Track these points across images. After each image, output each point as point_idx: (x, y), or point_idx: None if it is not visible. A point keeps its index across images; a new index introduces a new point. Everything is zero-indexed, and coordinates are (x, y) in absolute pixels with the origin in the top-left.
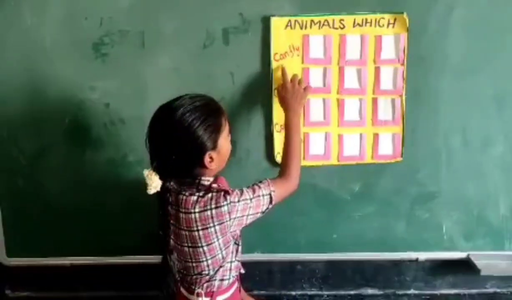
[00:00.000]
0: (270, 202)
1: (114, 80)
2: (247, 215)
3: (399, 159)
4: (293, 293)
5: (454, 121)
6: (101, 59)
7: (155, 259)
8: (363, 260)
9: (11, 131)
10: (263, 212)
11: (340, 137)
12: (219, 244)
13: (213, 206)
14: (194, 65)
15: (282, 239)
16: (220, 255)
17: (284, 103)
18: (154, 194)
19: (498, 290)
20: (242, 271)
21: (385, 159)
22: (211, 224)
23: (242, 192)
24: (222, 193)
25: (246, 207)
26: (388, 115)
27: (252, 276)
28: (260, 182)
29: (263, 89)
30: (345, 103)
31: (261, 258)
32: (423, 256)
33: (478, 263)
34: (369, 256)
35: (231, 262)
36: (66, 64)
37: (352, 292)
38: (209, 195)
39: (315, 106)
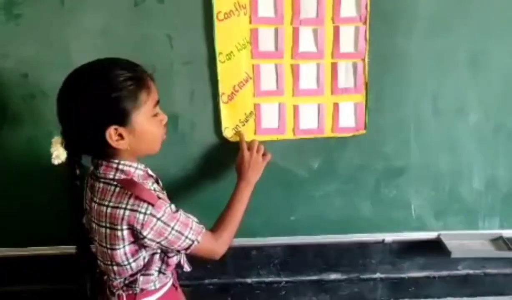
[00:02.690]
0: (186, 249)
1: (31, 46)
2: (158, 242)
3: (363, 131)
4: (249, 280)
5: (424, 88)
6: (14, 22)
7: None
8: (324, 243)
9: None
10: (171, 251)
11: (295, 108)
12: (125, 253)
13: (128, 206)
14: (124, 27)
15: None
16: (127, 266)
17: (238, 171)
18: None
19: (471, 272)
20: (187, 269)
21: (346, 132)
22: (119, 226)
23: (171, 213)
24: (145, 200)
25: (162, 232)
26: (349, 82)
27: (203, 263)
28: (198, 222)
29: (207, 54)
30: (300, 69)
31: None
32: (389, 237)
33: (449, 243)
34: (331, 238)
35: (158, 271)
36: None
37: (313, 278)
38: (129, 192)
39: (266, 73)
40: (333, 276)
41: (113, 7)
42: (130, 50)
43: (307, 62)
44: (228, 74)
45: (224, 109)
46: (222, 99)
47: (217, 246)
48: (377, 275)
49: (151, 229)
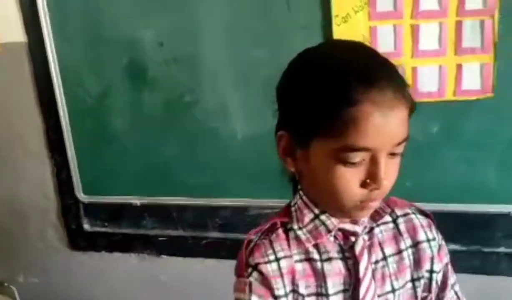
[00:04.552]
0: None
1: (165, 16)
2: None
3: (490, 94)
4: None
5: None
6: None
7: None
8: (443, 212)
9: (77, 74)
10: None
11: (414, 70)
12: None
13: None
14: None
15: None
16: None
17: None
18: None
19: None
20: None
21: (470, 95)
22: None
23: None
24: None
25: None
26: (475, 41)
27: None
28: None
29: (324, 17)
30: (421, 29)
31: None
32: None
33: None
34: (451, 207)
35: None
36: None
37: None
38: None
39: (384, 35)
40: (452, 246)
41: None
42: (252, 16)
43: (428, 21)
44: (345, 37)
45: None
46: None
47: None
48: (502, 249)
49: None
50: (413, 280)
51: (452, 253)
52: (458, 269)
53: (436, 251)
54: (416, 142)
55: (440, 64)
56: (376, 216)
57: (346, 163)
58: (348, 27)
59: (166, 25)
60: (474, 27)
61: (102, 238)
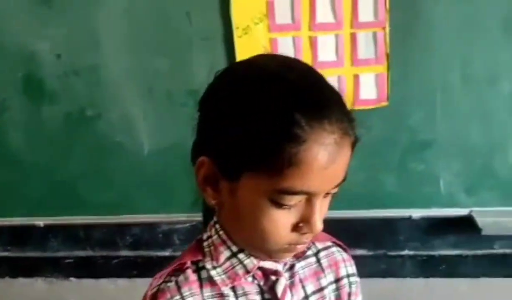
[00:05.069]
0: None
1: (63, 28)
2: None
3: (385, 103)
4: None
5: (451, 54)
6: (46, 6)
7: None
8: (349, 218)
9: None
10: None
11: None
12: None
13: None
14: (145, 5)
15: None
16: None
17: None
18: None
19: (508, 251)
20: None
21: (368, 104)
22: None
23: None
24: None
25: None
26: (369, 52)
27: None
28: None
29: (225, 29)
30: (318, 40)
31: None
32: (417, 213)
33: (481, 221)
34: (355, 213)
35: None
36: (14, 14)
37: None
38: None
39: (284, 46)
40: (359, 252)
41: None
42: (152, 27)
43: (325, 33)
44: (245, 49)
45: None
46: None
47: None
48: (406, 252)
49: None
50: None
51: (359, 258)
52: (365, 274)
53: (354, 287)
54: None
55: (339, 75)
56: (298, 254)
57: (281, 205)
58: (249, 38)
59: (63, 37)
60: (368, 38)
61: (4, 264)
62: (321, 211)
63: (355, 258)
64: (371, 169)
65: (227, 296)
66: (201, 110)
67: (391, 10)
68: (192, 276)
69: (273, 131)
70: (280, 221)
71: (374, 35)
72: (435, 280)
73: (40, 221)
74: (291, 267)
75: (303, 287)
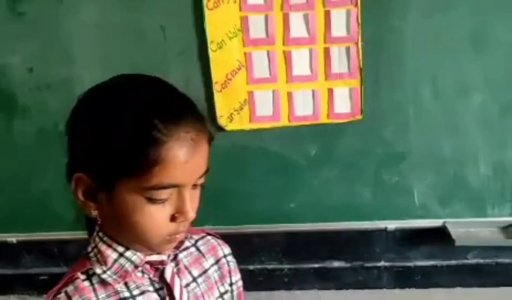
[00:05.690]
0: None
1: (35, 41)
2: None
3: (359, 117)
4: (251, 267)
5: (422, 69)
6: (18, 19)
7: None
8: (327, 231)
9: None
10: None
11: (289, 94)
12: None
13: None
14: (118, 19)
15: (235, 209)
16: None
17: None
18: None
19: (482, 261)
20: None
21: (342, 118)
22: None
23: None
24: None
25: None
26: (343, 66)
27: None
28: None
29: (199, 43)
30: (293, 55)
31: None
32: (392, 225)
33: (455, 231)
34: (331, 226)
35: None
36: None
37: (316, 265)
38: None
39: (258, 60)
40: (337, 264)
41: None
42: (126, 42)
43: (299, 48)
44: (220, 63)
45: (218, 98)
46: (216, 87)
47: None
48: (382, 263)
49: None
50: (221, 295)
51: (336, 270)
52: (343, 285)
53: (233, 265)
54: (296, 164)
55: (313, 89)
56: (178, 244)
57: (154, 200)
58: (224, 52)
59: (35, 51)
60: (341, 53)
61: None
62: (192, 200)
63: (333, 270)
64: (347, 181)
65: (122, 291)
66: (69, 132)
67: (363, 25)
68: (82, 284)
69: (135, 137)
70: (158, 215)
71: (347, 50)
72: (411, 290)
73: (13, 238)
74: (175, 257)
75: (189, 272)
